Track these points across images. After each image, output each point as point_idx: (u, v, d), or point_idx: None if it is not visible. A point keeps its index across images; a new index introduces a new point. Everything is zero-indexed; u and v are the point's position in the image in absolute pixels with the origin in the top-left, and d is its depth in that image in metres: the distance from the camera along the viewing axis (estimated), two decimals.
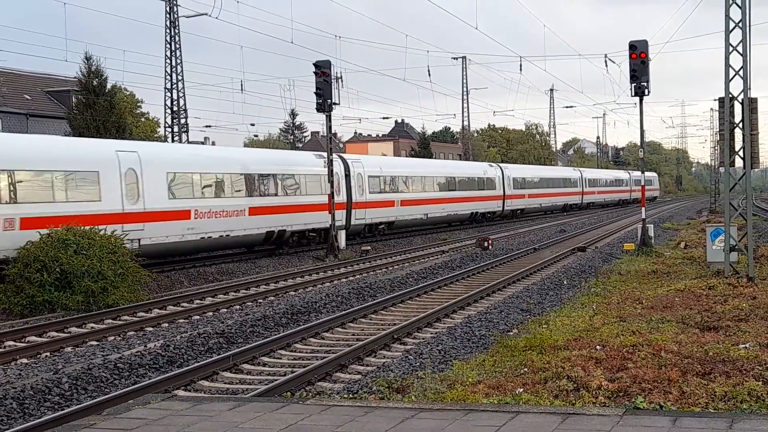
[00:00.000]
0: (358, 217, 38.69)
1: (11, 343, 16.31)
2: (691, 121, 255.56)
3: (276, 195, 31.97)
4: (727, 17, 20.90)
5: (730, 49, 20.84)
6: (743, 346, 12.12)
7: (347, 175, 37.89)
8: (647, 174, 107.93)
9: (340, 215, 36.23)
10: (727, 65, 20.81)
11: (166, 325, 18.05)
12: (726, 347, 11.98)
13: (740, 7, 20.82)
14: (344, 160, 38.79)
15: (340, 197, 36.58)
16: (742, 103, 21.11)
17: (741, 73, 20.83)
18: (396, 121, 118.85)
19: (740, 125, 21.43)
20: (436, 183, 48.34)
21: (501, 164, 62.95)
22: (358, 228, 39.47)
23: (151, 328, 17.64)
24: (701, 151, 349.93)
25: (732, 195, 22.50)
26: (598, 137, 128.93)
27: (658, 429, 7.06)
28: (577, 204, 77.33)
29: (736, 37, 20.85)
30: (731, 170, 22.24)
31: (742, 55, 20.72)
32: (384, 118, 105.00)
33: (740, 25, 20.81)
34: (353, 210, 38.23)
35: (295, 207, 32.94)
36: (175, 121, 52.63)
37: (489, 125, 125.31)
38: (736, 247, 21.34)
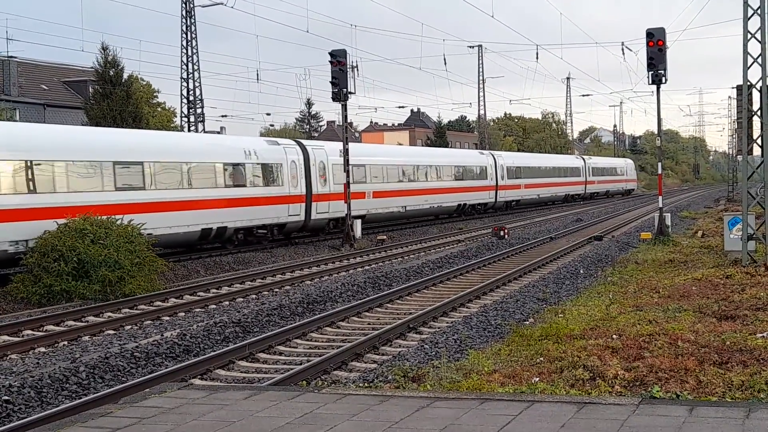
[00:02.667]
0: None
1: (29, 332, 16.42)
2: (708, 109, 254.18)
3: None
4: (746, 4, 20.74)
5: (749, 36, 20.68)
6: (761, 335, 12.05)
7: None
8: (615, 161, 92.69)
9: None
10: (746, 52, 20.65)
11: (183, 314, 18.12)
12: (743, 336, 11.92)
13: None
14: None
15: None
16: (760, 91, 20.95)
17: (759, 60, 20.67)
18: (412, 110, 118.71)
19: (759, 113, 21.28)
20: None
21: (308, 141, 37.87)
22: None
23: (167, 318, 17.71)
24: (719, 139, 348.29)
25: (750, 183, 22.38)
26: (615, 126, 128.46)
27: (674, 418, 7.03)
28: (487, 204, 53.51)
29: (754, 24, 20.70)
30: (749, 158, 22.12)
31: (760, 42, 20.55)
32: (400, 107, 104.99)
33: (759, 11, 20.64)
34: None
35: None
36: (191, 110, 52.74)
37: (505, 114, 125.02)
38: (754, 236, 21.20)
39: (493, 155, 55.85)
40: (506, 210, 57.00)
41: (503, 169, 55.45)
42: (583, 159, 77.07)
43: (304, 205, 33.35)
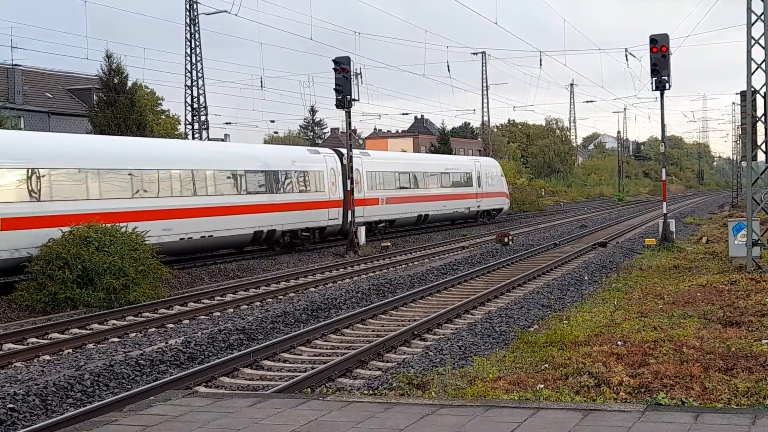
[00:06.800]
0: None
1: (34, 339, 16.43)
2: (712, 115, 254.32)
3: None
4: (749, 10, 20.73)
5: (752, 42, 20.67)
6: (766, 341, 12.03)
7: None
8: (449, 160, 53.27)
9: None
10: (749, 58, 20.65)
11: (187, 321, 18.13)
12: (748, 342, 11.90)
13: (762, 0, 20.64)
14: None
15: None
16: (764, 97, 20.95)
17: (763, 66, 20.67)
18: (416, 117, 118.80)
19: (762, 119, 21.26)
20: None
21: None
22: None
23: (172, 325, 17.71)
24: (723, 145, 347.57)
25: (754, 189, 22.32)
26: (618, 132, 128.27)
27: (679, 425, 7.02)
28: None
29: (758, 30, 20.68)
30: (753, 164, 22.08)
31: (764, 48, 20.54)
32: (403, 114, 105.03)
33: (762, 18, 20.63)
34: None
35: None
36: (195, 118, 52.82)
37: (509, 120, 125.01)
38: (759, 242, 21.17)
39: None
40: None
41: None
42: (337, 156, 36.50)
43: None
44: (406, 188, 42.61)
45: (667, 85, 29.96)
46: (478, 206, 51.24)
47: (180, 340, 15.18)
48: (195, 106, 52.61)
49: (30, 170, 22.02)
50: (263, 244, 31.95)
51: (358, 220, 35.56)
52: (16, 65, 52.64)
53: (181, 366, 13.73)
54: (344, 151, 36.04)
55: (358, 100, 33.45)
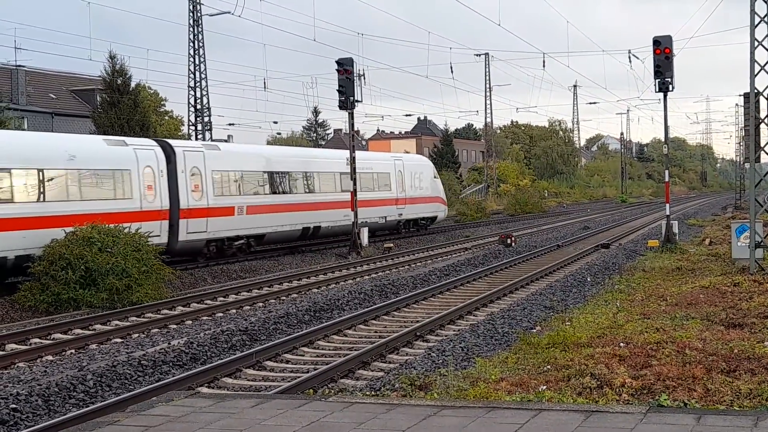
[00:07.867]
0: None
1: (37, 340, 16.45)
2: (716, 116, 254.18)
3: None
4: (753, 12, 20.73)
5: (756, 44, 20.67)
6: None
7: None
8: (371, 159, 41.12)
9: None
10: (753, 60, 20.64)
11: (190, 322, 18.14)
12: (751, 344, 11.89)
13: (766, 2, 20.65)
14: None
15: None
16: (767, 99, 20.93)
17: (766, 68, 20.66)
18: (419, 118, 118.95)
19: (766, 120, 21.25)
20: None
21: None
22: None
23: (174, 326, 17.73)
24: (726, 146, 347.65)
25: (757, 191, 22.33)
26: (621, 133, 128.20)
27: (682, 427, 7.02)
28: None
29: (761, 31, 20.69)
30: (757, 166, 22.06)
31: (767, 50, 20.54)
32: (407, 115, 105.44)
33: (766, 19, 20.63)
34: None
35: None
36: (198, 119, 52.91)
37: (512, 122, 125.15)
38: (762, 244, 21.15)
39: None
40: None
41: None
42: (161, 150, 26.93)
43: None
44: (282, 193, 32.43)
45: (670, 86, 29.92)
46: (400, 215, 41.61)
47: (183, 340, 15.19)
48: (198, 106, 52.74)
49: None
50: (26, 275, 21.38)
51: (198, 236, 27.67)
52: (19, 66, 52.76)
53: (183, 367, 13.74)
54: (178, 143, 28.95)
55: (361, 102, 33.52)
